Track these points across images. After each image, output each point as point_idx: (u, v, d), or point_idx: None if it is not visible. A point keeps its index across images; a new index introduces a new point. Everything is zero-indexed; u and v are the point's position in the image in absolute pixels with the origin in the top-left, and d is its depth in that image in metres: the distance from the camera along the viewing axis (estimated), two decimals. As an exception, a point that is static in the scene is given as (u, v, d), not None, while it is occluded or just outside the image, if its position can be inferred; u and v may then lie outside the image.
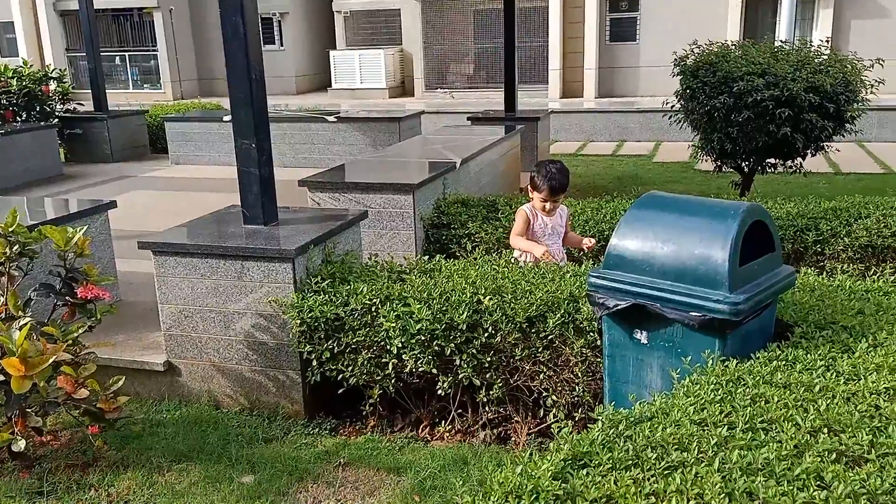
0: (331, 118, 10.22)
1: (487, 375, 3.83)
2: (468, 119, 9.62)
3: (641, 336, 3.08)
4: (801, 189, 9.21)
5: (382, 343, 3.89)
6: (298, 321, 3.98)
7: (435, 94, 22.11)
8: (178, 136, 10.97)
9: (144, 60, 25.12)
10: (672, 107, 7.96)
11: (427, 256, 4.48)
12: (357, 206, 5.68)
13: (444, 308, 3.77)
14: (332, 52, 23.04)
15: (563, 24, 20.12)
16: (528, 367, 3.77)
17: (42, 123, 10.72)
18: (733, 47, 7.65)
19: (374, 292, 3.92)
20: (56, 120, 11.56)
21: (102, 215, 5.18)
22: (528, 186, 4.61)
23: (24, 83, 11.08)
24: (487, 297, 3.75)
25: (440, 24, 22.36)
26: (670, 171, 10.93)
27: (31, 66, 11.82)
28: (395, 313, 3.81)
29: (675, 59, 7.63)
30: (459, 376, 3.83)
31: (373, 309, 3.89)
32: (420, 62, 22.16)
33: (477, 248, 5.53)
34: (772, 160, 7.82)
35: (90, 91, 11.47)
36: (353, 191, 5.70)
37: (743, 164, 7.85)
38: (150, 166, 11.02)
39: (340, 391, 4.09)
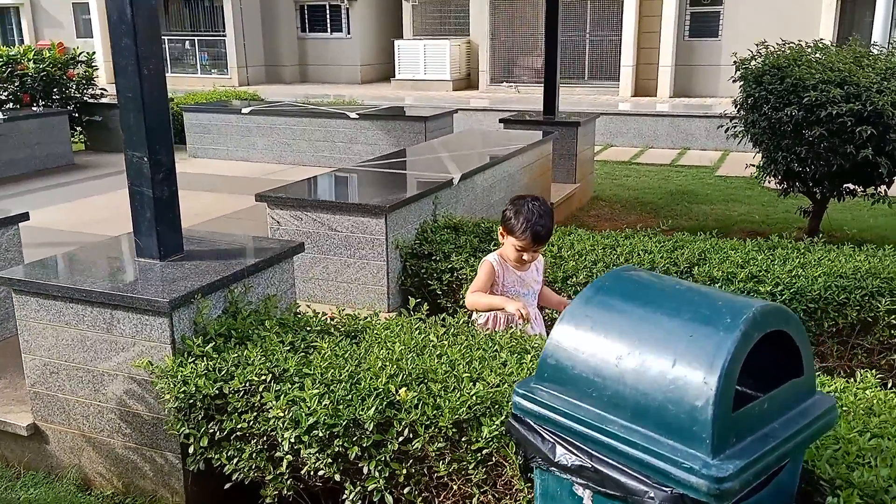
0: (353, 114, 9.28)
1: (405, 490, 2.82)
2: (500, 121, 8.52)
3: (584, 494, 2.01)
4: (886, 220, 7.79)
5: (273, 433, 2.93)
6: (171, 396, 3.04)
7: (500, 88, 21.02)
8: (197, 128, 10.22)
9: (213, 45, 24.76)
10: (732, 118, 6.73)
11: (380, 309, 3.49)
12: (322, 227, 4.73)
13: (350, 397, 2.77)
14: (396, 42, 22.22)
15: (638, 16, 18.72)
16: (457, 487, 2.74)
17: (54, 109, 10.12)
18: (809, 49, 6.34)
19: (265, 365, 2.96)
20: (75, 106, 10.98)
21: (9, 230, 4.36)
22: (500, 229, 3.51)
23: (41, 67, 10.50)
24: (405, 388, 2.73)
25: (509, 15, 21.24)
26: (732, 188, 9.54)
27: (57, 47, 11.26)
28: (288, 398, 2.84)
29: (736, 62, 6.39)
30: (369, 488, 2.83)
31: (261, 389, 2.92)
32: (486, 54, 21.12)
33: (462, 287, 4.52)
34: (850, 185, 6.51)
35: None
36: (317, 210, 4.74)
37: (814, 188, 6.55)
38: (166, 158, 10.30)
39: (227, 486, 3.15)
